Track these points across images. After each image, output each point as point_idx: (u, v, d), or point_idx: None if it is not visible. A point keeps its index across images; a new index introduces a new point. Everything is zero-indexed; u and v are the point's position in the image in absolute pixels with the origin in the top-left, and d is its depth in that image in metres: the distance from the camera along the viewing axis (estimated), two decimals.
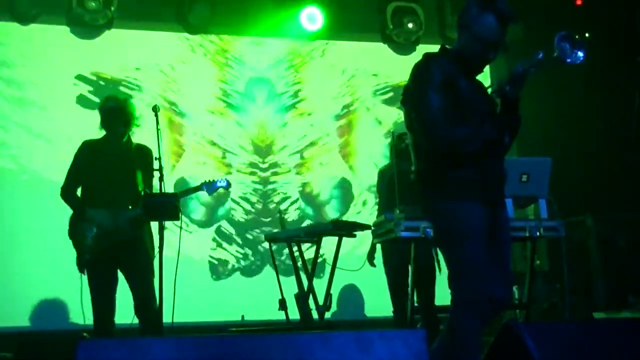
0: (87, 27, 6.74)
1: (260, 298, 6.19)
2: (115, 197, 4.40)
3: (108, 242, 4.35)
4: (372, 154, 7.30)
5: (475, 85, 3.26)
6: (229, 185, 4.93)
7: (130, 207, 4.39)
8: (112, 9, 6.65)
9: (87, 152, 4.54)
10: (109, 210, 4.38)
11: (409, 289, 4.58)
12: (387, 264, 5.14)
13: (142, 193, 4.44)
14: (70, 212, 4.53)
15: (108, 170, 4.45)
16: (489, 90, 3.29)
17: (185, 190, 4.87)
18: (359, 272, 5.34)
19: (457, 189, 3.09)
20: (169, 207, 4.31)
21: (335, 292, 5.36)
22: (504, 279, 3.12)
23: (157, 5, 7.04)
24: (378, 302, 6.90)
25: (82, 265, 4.36)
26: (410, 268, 4.59)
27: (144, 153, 4.55)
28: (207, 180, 4.82)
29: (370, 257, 5.29)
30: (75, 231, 4.42)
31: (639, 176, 6.40)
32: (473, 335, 3.06)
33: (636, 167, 6.41)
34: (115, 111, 4.50)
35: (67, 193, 4.52)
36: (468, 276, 3.05)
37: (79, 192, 4.56)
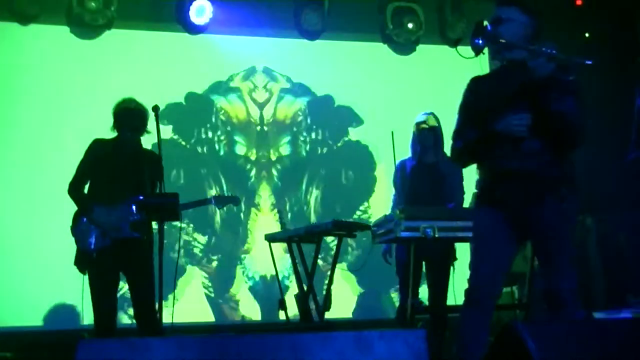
0: (87, 27, 6.74)
1: (260, 298, 6.21)
2: (120, 198, 4.41)
3: (110, 242, 4.36)
4: (373, 154, 7.33)
5: (502, 82, 3.27)
6: (237, 202, 4.94)
7: (134, 209, 4.40)
8: (112, 9, 6.66)
9: (98, 151, 4.53)
10: (113, 210, 4.39)
11: (410, 288, 4.59)
12: (399, 259, 5.13)
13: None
14: (72, 209, 4.53)
15: (116, 171, 4.46)
16: None
17: (192, 202, 4.87)
18: (359, 272, 5.36)
19: (476, 197, 3.43)
20: (169, 207, 4.31)
21: (335, 292, 5.36)
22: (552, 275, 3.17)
23: (157, 5, 7.05)
24: (378, 302, 6.93)
25: (82, 264, 4.36)
26: (415, 267, 4.61)
27: (153, 160, 4.52)
28: (217, 195, 4.86)
29: (385, 254, 5.27)
30: (79, 228, 4.41)
31: (639, 176, 6.40)
32: (469, 333, 3.18)
33: (636, 167, 6.41)
34: (130, 114, 4.51)
35: (74, 189, 4.51)
36: (471, 276, 3.25)
37: (85, 189, 4.56)
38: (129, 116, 4.50)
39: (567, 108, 3.11)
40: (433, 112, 5.10)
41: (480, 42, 3.15)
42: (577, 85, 3.14)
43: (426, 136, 4.99)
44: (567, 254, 3.17)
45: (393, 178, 5.28)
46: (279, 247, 5.81)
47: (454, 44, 3.38)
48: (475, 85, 3.33)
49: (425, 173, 4.94)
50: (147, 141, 4.70)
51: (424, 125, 5.00)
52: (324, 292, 5.32)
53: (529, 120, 3.10)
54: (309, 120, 7.30)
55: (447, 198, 4.99)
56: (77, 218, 4.46)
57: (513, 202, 3.16)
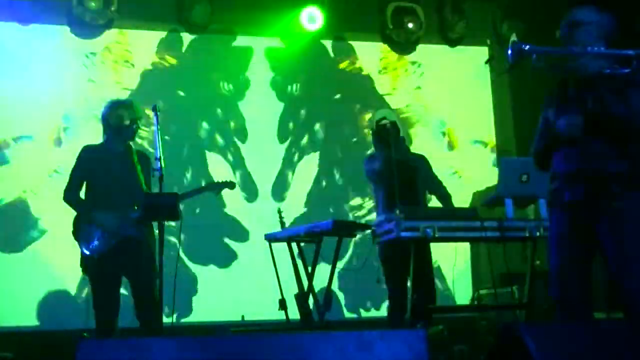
0: (87, 27, 6.74)
1: (260, 298, 6.20)
2: (120, 199, 4.39)
3: (113, 243, 4.34)
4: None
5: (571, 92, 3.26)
6: (233, 186, 4.93)
7: (135, 208, 4.39)
8: (112, 8, 6.66)
9: (89, 156, 4.52)
10: (114, 212, 4.37)
11: (409, 288, 4.58)
12: (387, 263, 5.11)
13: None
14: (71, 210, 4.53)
15: (111, 173, 4.43)
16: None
17: (188, 192, 4.86)
18: (358, 272, 5.35)
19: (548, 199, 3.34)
20: (168, 207, 4.30)
21: (335, 292, 5.36)
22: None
23: (157, 5, 7.05)
24: (378, 302, 6.93)
25: (86, 266, 4.36)
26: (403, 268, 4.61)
27: (145, 158, 4.55)
28: (211, 182, 4.83)
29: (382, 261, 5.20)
30: (80, 233, 4.40)
31: None
32: None
33: None
34: (113, 116, 4.49)
35: (70, 195, 4.50)
36: (549, 281, 3.27)
37: (82, 194, 4.54)
38: (113, 118, 4.50)
39: (618, 107, 3.07)
40: (391, 108, 5.12)
41: (511, 53, 3.13)
42: (635, 75, 3.09)
43: (387, 132, 4.99)
44: (630, 253, 3.08)
45: (366, 173, 5.28)
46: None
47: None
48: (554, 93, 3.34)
49: (397, 168, 4.88)
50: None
51: (384, 121, 5.04)
52: (324, 292, 5.31)
53: (579, 121, 3.08)
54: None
55: (421, 191, 5.11)
56: (77, 222, 4.45)
57: (576, 204, 3.15)
